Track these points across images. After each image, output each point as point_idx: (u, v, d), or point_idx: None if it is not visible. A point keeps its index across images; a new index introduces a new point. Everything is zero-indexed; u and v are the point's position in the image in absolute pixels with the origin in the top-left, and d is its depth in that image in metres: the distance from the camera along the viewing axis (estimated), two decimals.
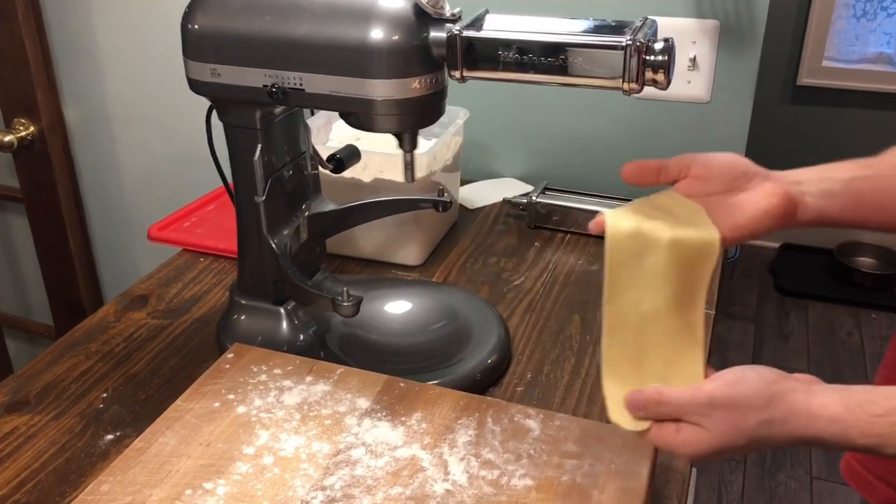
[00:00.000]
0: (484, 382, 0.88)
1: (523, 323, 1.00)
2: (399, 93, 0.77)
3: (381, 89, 0.76)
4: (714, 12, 1.17)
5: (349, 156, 0.98)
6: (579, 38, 0.70)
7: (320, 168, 0.96)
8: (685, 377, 0.63)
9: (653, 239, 0.64)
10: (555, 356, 0.93)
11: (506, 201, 1.25)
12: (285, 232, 0.90)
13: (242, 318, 0.94)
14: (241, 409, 0.77)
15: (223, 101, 0.85)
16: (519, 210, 1.23)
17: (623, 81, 0.69)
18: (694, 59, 1.19)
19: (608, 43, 0.69)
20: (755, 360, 2.45)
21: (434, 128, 1.17)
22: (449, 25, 0.75)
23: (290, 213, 0.92)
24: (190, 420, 0.76)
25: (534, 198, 1.20)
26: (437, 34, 0.75)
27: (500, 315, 0.98)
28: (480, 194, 1.31)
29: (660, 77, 0.69)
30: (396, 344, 0.93)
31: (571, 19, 0.74)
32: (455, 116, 1.16)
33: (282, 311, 0.92)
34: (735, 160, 0.70)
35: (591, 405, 0.85)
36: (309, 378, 0.81)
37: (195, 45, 0.82)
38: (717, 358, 2.40)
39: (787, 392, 0.59)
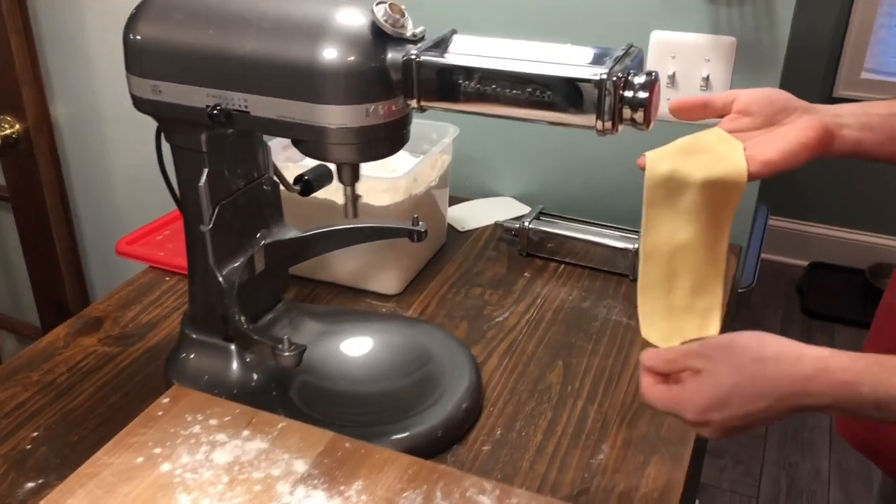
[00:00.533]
0: (446, 440, 0.79)
1: (500, 367, 0.91)
2: (354, 120, 0.68)
3: (333, 116, 0.68)
4: (731, 28, 1.07)
5: (320, 177, 0.90)
6: (549, 69, 0.61)
7: (287, 190, 0.88)
8: (707, 301, 0.72)
9: (686, 181, 0.70)
10: (530, 410, 0.84)
11: (498, 225, 1.16)
12: (236, 263, 0.83)
13: (191, 354, 0.86)
14: (164, 468, 0.69)
15: (166, 120, 0.77)
16: (511, 235, 1.14)
17: (597, 119, 0.60)
18: (707, 79, 1.09)
19: (580, 76, 0.59)
20: None
21: (423, 144, 1.09)
22: (409, 47, 0.67)
23: (242, 242, 0.84)
24: (107, 478, 0.68)
25: (527, 223, 1.11)
26: (395, 56, 0.67)
27: (475, 359, 0.89)
28: (473, 215, 1.22)
29: (639, 116, 0.60)
30: (356, 391, 0.85)
31: (549, 44, 0.65)
32: (443, 133, 1.07)
33: (233, 348, 0.84)
34: (775, 94, 0.73)
35: (562, 472, 0.76)
36: (246, 432, 0.73)
37: (135, 59, 0.74)
38: None
39: (777, 340, 0.62)
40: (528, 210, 1.22)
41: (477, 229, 1.20)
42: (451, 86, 0.64)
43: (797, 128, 0.71)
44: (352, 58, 0.66)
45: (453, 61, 0.64)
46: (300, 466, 0.69)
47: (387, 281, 1.03)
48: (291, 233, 0.89)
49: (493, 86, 0.62)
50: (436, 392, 0.83)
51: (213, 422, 0.74)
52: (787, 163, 0.70)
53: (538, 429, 0.82)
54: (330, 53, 0.66)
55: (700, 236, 0.72)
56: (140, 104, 0.76)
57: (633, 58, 0.61)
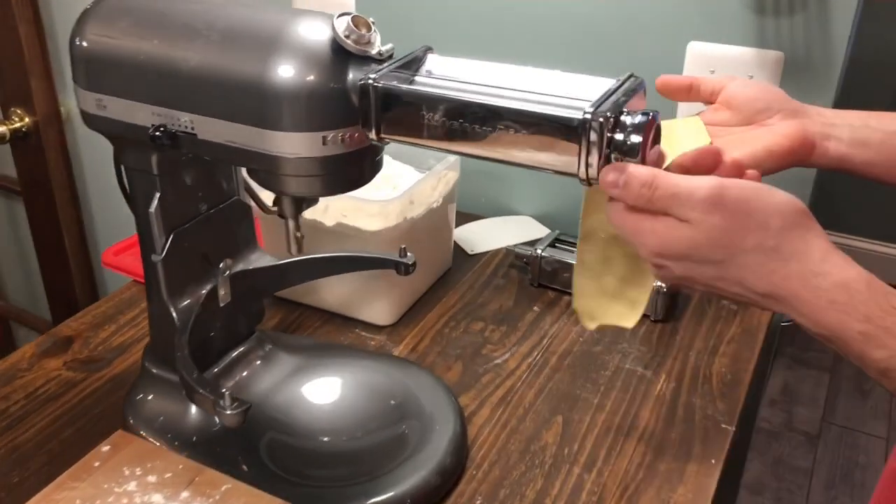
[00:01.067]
0: None
1: (491, 421, 0.81)
2: (310, 149, 0.59)
3: (286, 144, 0.59)
4: (778, 42, 0.94)
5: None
6: (525, 104, 0.50)
7: (263, 212, 0.79)
8: (635, 293, 0.65)
9: None
10: (518, 475, 0.75)
11: (509, 251, 1.06)
12: (195, 297, 0.74)
13: (149, 391, 0.78)
14: None
15: (114, 138, 0.69)
16: (522, 262, 1.04)
17: (579, 166, 0.49)
18: None
19: (561, 113, 0.49)
20: (826, 416, 2.18)
21: (428, 159, 1.00)
22: (373, 67, 0.57)
23: (204, 272, 0.75)
24: None
25: (539, 251, 1.01)
26: (357, 77, 0.57)
27: (462, 412, 0.79)
28: (485, 236, 1.12)
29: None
30: (326, 444, 0.76)
31: (537, 70, 0.55)
32: None
33: None
34: (762, 92, 0.67)
35: None
36: (185, 493, 0.65)
37: (80, 69, 0.66)
38: (782, 412, 2.14)
39: (811, 231, 0.50)
40: (547, 232, 1.12)
41: (487, 253, 1.09)
42: (413, 118, 0.54)
43: (772, 132, 0.65)
44: (308, 78, 0.57)
45: (417, 88, 0.54)
46: None
47: (379, 311, 0.94)
48: (264, 261, 0.80)
49: (461, 120, 0.52)
50: (414, 451, 0.74)
51: (151, 478, 0.66)
52: (755, 167, 0.61)
53: (525, 499, 0.72)
54: (283, 72, 0.57)
55: None
56: (88, 120, 0.68)
57: (631, 91, 0.51)
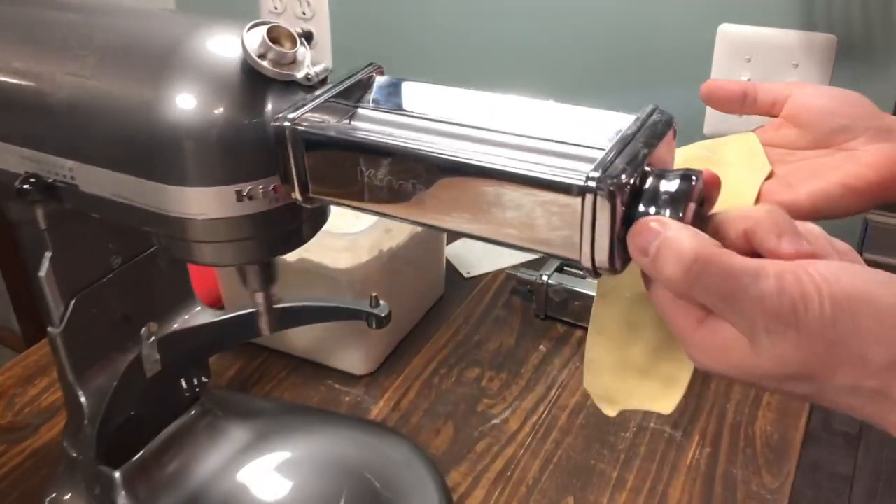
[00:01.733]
0: None
1: None
2: (221, 208, 0.44)
3: (189, 201, 0.44)
4: (829, 24, 0.78)
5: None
6: (504, 160, 0.34)
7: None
8: (672, 368, 0.47)
9: None
10: None
11: (510, 276, 0.91)
12: (111, 370, 0.60)
13: (68, 477, 0.64)
14: None
15: None
16: (526, 289, 0.89)
17: (580, 250, 0.34)
18: None
19: (552, 177, 0.33)
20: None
21: None
22: (300, 97, 0.42)
23: (123, 340, 0.61)
24: None
25: (545, 277, 0.85)
26: (280, 108, 0.42)
27: (451, 496, 0.65)
28: (482, 255, 0.97)
29: None
30: None
31: (524, 99, 0.39)
32: None
33: (117, 476, 0.62)
34: (842, 103, 0.50)
35: None
36: None
37: None
38: (819, 412, 1.97)
39: None
40: None
41: (487, 275, 0.94)
42: (348, 173, 0.38)
43: (854, 160, 0.48)
44: (215, 112, 0.42)
45: (353, 133, 0.38)
46: None
47: (355, 359, 0.79)
48: (202, 317, 0.65)
49: (413, 181, 0.36)
50: None
51: None
52: (818, 210, 0.47)
53: None
54: (178, 106, 0.42)
55: None
56: None
57: (656, 134, 0.35)
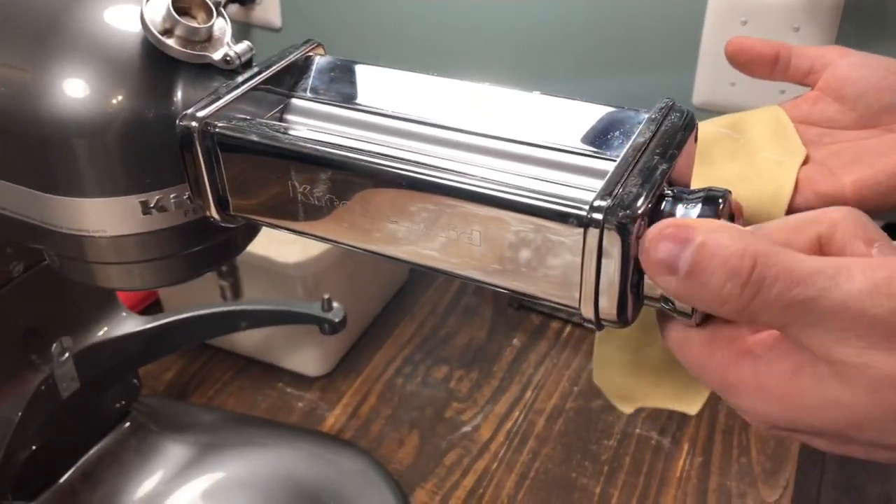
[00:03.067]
0: None
1: None
2: (124, 223, 0.35)
3: (85, 216, 0.35)
4: None
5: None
6: (476, 181, 0.26)
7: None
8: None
9: None
10: None
11: None
12: (18, 393, 0.51)
13: None
14: None
15: None
16: None
17: (580, 297, 0.26)
18: None
19: (545, 204, 0.25)
20: None
21: None
22: (219, 84, 0.33)
23: (30, 357, 0.52)
24: None
25: None
26: (192, 99, 0.33)
27: None
28: None
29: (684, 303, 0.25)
30: None
31: (507, 91, 0.31)
32: None
33: None
34: (892, 75, 0.41)
35: None
36: None
37: None
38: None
39: None
40: None
41: None
42: (276, 188, 0.30)
43: None
44: (111, 102, 0.33)
45: (280, 139, 0.29)
46: None
47: (309, 358, 0.71)
48: (127, 325, 0.57)
49: (360, 201, 0.28)
50: None
51: None
52: (866, 202, 0.38)
53: None
54: (64, 94, 0.33)
55: None
56: None
57: (675, 142, 0.27)
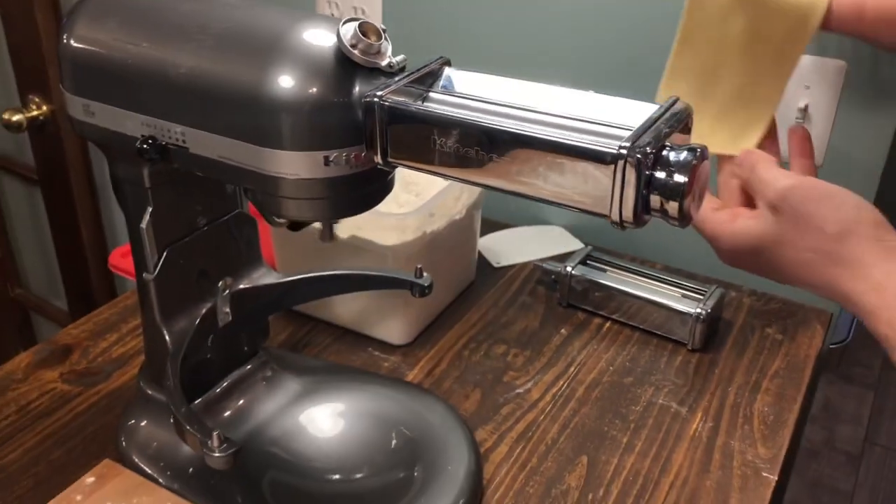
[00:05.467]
0: None
1: (510, 459, 0.74)
2: (310, 170, 0.53)
3: (284, 163, 0.52)
4: (840, 49, 0.86)
5: None
6: (551, 133, 0.43)
7: (270, 224, 0.73)
8: (749, 116, 0.56)
9: None
10: None
11: (536, 267, 0.99)
12: (190, 318, 0.69)
13: (144, 413, 0.73)
14: None
15: (103, 147, 0.63)
16: (550, 279, 0.97)
17: (611, 207, 0.42)
18: (805, 110, 0.89)
19: (591, 146, 0.42)
20: (870, 436, 2.08)
21: None
22: (383, 81, 0.50)
23: (201, 291, 0.70)
24: None
25: (569, 269, 0.94)
26: (365, 91, 0.51)
27: (478, 449, 0.73)
28: (512, 248, 1.05)
29: (672, 207, 0.42)
30: (325, 483, 0.70)
31: (567, 90, 0.48)
32: None
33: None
34: None
35: None
36: None
37: (67, 71, 0.60)
38: (823, 430, 2.04)
39: (867, 240, 0.51)
40: (578, 245, 1.05)
41: (514, 266, 1.03)
42: (422, 142, 0.47)
43: None
44: (310, 91, 0.51)
45: (429, 109, 0.47)
46: None
47: (394, 329, 0.88)
48: (268, 278, 0.74)
49: (476, 148, 0.45)
50: (421, 490, 0.68)
51: None
52: (888, 21, 0.60)
53: None
54: (282, 83, 0.51)
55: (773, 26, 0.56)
56: (76, 126, 0.63)
57: (675, 120, 0.43)
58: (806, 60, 0.88)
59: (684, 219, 0.42)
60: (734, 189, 0.61)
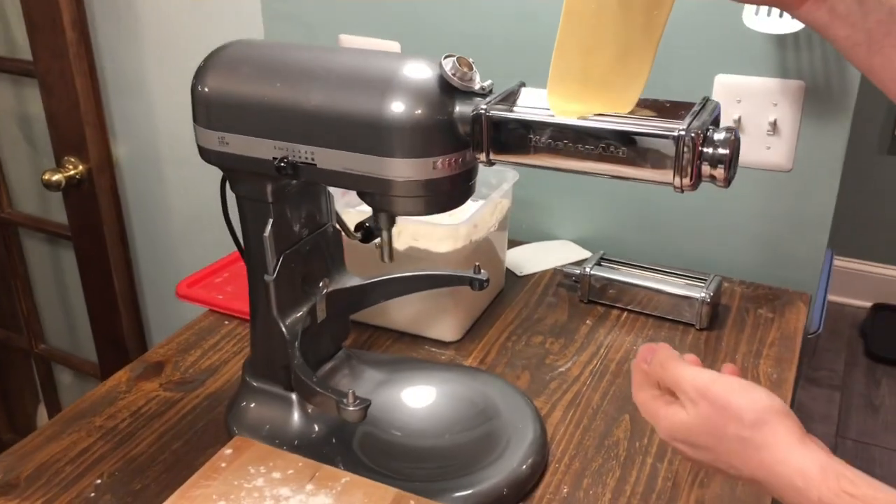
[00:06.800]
0: (511, 497, 0.77)
1: (564, 421, 0.88)
2: (420, 173, 0.67)
3: (399, 169, 0.67)
4: (799, 72, 1.04)
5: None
6: (623, 124, 0.59)
7: (346, 237, 0.87)
8: (628, 76, 0.62)
9: None
10: (597, 466, 0.82)
11: (557, 271, 1.15)
12: (299, 312, 0.82)
13: (251, 403, 0.85)
14: None
15: (232, 171, 0.77)
16: (571, 281, 1.12)
17: (674, 176, 0.58)
18: (774, 123, 1.07)
19: (658, 131, 0.58)
20: (840, 432, 2.26)
21: (482, 188, 1.08)
22: (477, 100, 0.66)
23: (305, 291, 0.83)
24: None
25: (588, 269, 1.09)
26: (463, 109, 0.66)
27: (538, 412, 0.87)
28: (531, 259, 1.20)
29: (718, 173, 0.58)
30: (418, 444, 0.83)
31: None
32: (503, 178, 1.06)
33: (293, 397, 0.84)
34: None
35: None
36: (309, 486, 0.72)
37: (203, 111, 0.74)
38: None
39: (779, 426, 0.56)
40: (586, 255, 1.20)
41: (535, 274, 1.18)
42: (521, 140, 0.62)
43: None
44: (419, 111, 0.66)
45: (524, 115, 0.62)
46: None
47: (446, 328, 1.02)
48: (353, 280, 0.88)
49: (565, 141, 0.60)
50: (499, 446, 0.81)
51: (276, 475, 0.73)
52: None
53: (606, 487, 0.79)
54: (398, 107, 0.66)
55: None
56: (206, 155, 0.76)
57: (711, 112, 0.60)
58: (771, 82, 1.06)
59: (727, 181, 0.58)
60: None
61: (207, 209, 1.56)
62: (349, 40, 1.29)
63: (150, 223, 1.63)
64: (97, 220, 1.56)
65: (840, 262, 2.76)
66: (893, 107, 2.56)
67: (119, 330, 1.67)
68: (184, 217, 1.60)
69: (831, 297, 2.75)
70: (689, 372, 0.60)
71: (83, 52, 1.45)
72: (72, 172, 1.52)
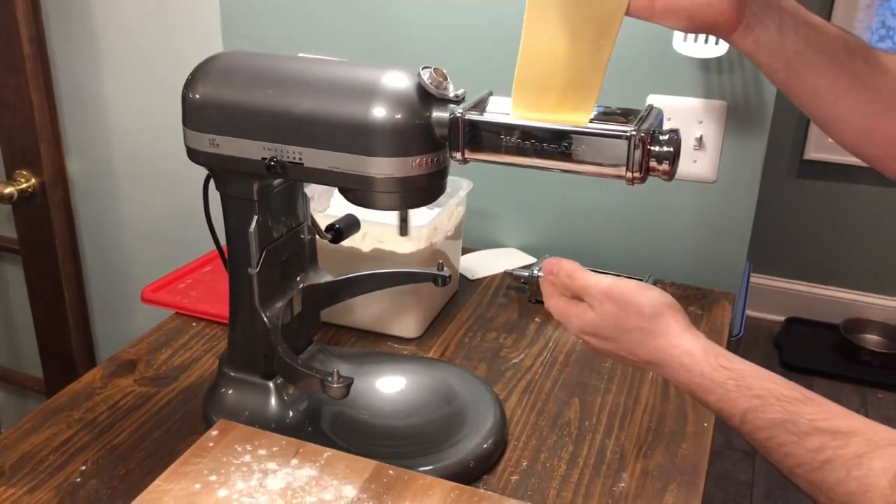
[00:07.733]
0: (478, 470, 0.85)
1: (521, 405, 0.96)
2: (399, 171, 0.75)
3: (381, 167, 0.75)
4: (722, 93, 1.16)
5: (348, 225, 0.96)
6: (582, 126, 0.68)
7: (318, 237, 0.94)
8: (580, 99, 0.70)
9: None
10: (552, 443, 0.90)
11: (507, 274, 1.23)
12: (278, 304, 0.88)
13: (230, 391, 0.91)
14: (222, 493, 0.74)
15: (221, 171, 0.83)
16: (520, 283, 1.21)
17: (627, 171, 0.67)
18: (700, 139, 1.18)
19: (612, 132, 0.67)
20: None
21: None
22: (452, 106, 0.74)
23: (284, 285, 0.89)
24: (168, 503, 0.72)
25: (535, 272, 1.18)
26: (439, 114, 0.74)
27: (497, 396, 0.95)
28: (481, 265, 1.29)
29: (664, 167, 0.67)
30: (388, 425, 0.90)
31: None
32: (458, 187, 1.15)
33: (271, 385, 0.89)
34: None
35: (587, 499, 0.82)
36: (294, 461, 0.78)
37: (194, 115, 0.80)
38: (720, 434, 2.34)
39: (671, 318, 0.69)
40: (532, 260, 1.29)
41: (486, 278, 1.26)
42: (493, 140, 0.71)
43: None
44: (400, 115, 0.74)
45: (495, 119, 0.71)
46: (349, 491, 0.74)
47: (407, 325, 1.09)
48: (326, 277, 0.94)
49: (532, 140, 0.69)
50: (465, 427, 0.88)
51: (262, 452, 0.79)
52: (672, 12, 0.73)
53: (561, 460, 0.87)
54: (381, 112, 0.73)
55: (586, 27, 0.71)
56: (195, 156, 0.82)
57: (656, 117, 0.69)
58: (697, 102, 1.18)
59: (670, 175, 0.68)
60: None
61: (160, 225, 1.60)
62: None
63: (102, 237, 1.65)
64: (49, 234, 1.58)
65: (756, 278, 2.94)
66: (801, 133, 2.76)
67: (68, 346, 1.68)
68: (136, 233, 1.63)
69: (749, 312, 2.92)
70: (593, 278, 0.72)
71: (39, 68, 1.48)
72: (24, 185, 1.54)
